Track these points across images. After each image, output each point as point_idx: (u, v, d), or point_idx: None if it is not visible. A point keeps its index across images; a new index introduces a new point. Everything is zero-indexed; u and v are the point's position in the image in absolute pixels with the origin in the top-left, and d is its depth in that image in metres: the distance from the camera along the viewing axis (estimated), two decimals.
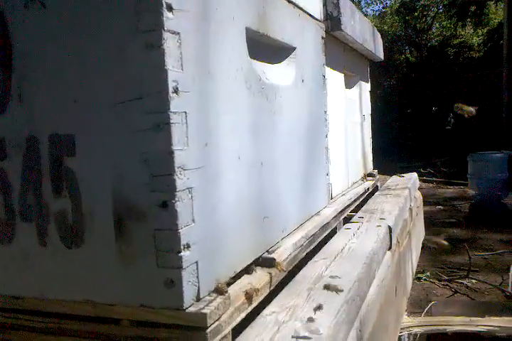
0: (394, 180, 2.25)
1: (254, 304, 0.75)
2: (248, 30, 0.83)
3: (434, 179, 6.47)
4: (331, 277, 0.89)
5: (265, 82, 0.90)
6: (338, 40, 1.56)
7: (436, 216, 4.17)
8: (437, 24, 12.21)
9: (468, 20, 10.57)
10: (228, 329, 0.65)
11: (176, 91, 0.60)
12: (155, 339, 0.63)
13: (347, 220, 1.43)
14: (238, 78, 0.79)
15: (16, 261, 0.71)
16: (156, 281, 0.62)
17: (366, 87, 2.12)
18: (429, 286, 2.58)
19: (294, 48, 1.07)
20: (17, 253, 0.71)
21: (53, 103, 0.66)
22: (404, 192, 1.84)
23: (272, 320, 0.71)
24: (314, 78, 1.21)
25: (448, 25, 11.45)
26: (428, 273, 2.73)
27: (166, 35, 0.59)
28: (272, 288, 0.83)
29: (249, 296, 0.73)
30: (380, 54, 2.16)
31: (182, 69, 0.61)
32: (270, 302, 0.79)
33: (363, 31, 1.73)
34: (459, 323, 1.72)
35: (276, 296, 0.81)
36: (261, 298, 0.78)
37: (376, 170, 2.20)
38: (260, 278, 0.80)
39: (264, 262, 0.85)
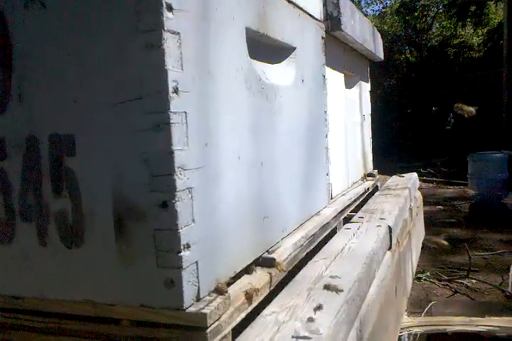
0: (394, 180, 2.25)
1: (254, 304, 0.75)
2: (248, 30, 0.83)
3: (434, 179, 6.47)
4: (331, 277, 0.89)
5: (265, 82, 0.90)
6: (338, 40, 1.56)
7: (436, 216, 4.17)
8: (437, 24, 12.21)
9: (468, 20, 10.57)
10: (228, 329, 0.65)
11: (176, 91, 0.60)
12: (155, 339, 0.63)
13: (347, 220, 1.43)
14: (238, 78, 0.79)
15: (16, 261, 0.71)
16: (156, 281, 0.62)
17: (366, 87, 2.12)
18: (429, 286, 2.58)
19: (294, 48, 1.07)
20: (17, 253, 0.71)
21: (53, 103, 0.66)
22: (404, 192, 1.84)
23: (272, 320, 0.71)
24: (314, 78, 1.21)
25: (448, 25, 11.45)
26: (428, 273, 2.73)
27: (166, 35, 0.59)
28: (272, 288, 0.83)
29: (249, 296, 0.73)
30: (380, 54, 2.16)
31: (182, 69, 0.61)
32: (270, 302, 0.79)
33: (363, 31, 1.73)
34: (459, 323, 1.72)
35: (276, 296, 0.81)
36: (261, 298, 0.78)
37: (376, 170, 2.20)
38: (260, 278, 0.80)
39: (264, 262, 0.85)
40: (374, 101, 2.43)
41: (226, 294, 0.67)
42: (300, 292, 0.82)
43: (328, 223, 1.21)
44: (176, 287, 0.61)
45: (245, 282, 0.76)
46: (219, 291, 0.67)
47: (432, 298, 2.34)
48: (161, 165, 0.60)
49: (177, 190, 0.60)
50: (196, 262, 0.64)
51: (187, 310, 0.62)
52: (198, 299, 0.64)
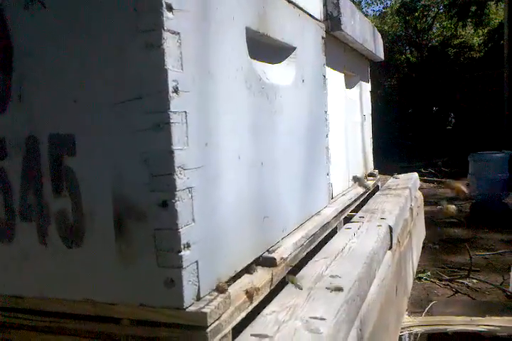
0: (394, 180, 2.25)
1: (255, 303, 0.75)
2: (248, 30, 0.83)
3: (435, 179, 6.46)
4: (332, 276, 0.89)
5: (265, 82, 0.90)
6: (338, 40, 1.56)
7: (437, 216, 4.16)
8: (438, 24, 12.20)
9: (469, 20, 10.55)
10: (228, 328, 0.65)
11: (175, 90, 0.60)
12: (155, 338, 0.63)
13: (347, 220, 1.43)
14: (238, 78, 0.79)
15: (16, 261, 0.71)
16: (156, 281, 0.62)
17: (366, 86, 2.12)
18: (430, 286, 2.58)
19: (294, 48, 1.07)
20: (17, 253, 0.71)
21: (53, 103, 0.66)
22: (405, 192, 1.84)
23: (272, 319, 0.71)
24: (314, 78, 1.21)
25: (448, 26, 11.44)
26: (429, 273, 2.72)
27: (165, 34, 0.59)
28: (272, 287, 0.83)
29: (249, 295, 0.73)
30: (381, 54, 2.16)
31: (182, 69, 0.62)
32: (270, 301, 0.79)
33: (363, 31, 1.73)
34: (459, 323, 1.72)
35: (276, 296, 0.81)
36: (261, 297, 0.78)
37: (377, 170, 2.20)
38: (261, 277, 0.80)
39: (265, 262, 0.85)
40: (374, 101, 2.43)
41: (226, 293, 0.67)
42: (300, 291, 0.82)
43: (328, 223, 1.21)
44: (176, 286, 0.61)
45: (246, 281, 0.76)
46: (219, 290, 0.67)
47: (432, 298, 2.33)
48: (161, 164, 0.60)
49: (177, 189, 0.60)
50: (196, 261, 0.64)
51: (187, 310, 0.62)
52: (198, 298, 0.64)
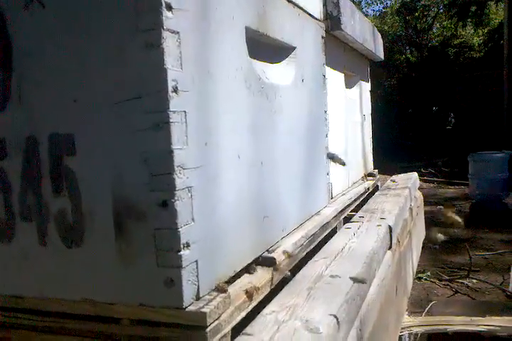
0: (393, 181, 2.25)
1: (255, 303, 0.75)
2: (248, 30, 0.83)
3: (435, 179, 6.46)
4: (331, 276, 0.89)
5: (265, 82, 0.90)
6: (338, 39, 1.56)
7: (437, 216, 4.16)
8: (438, 24, 12.20)
9: (469, 20, 10.55)
10: (228, 328, 0.65)
11: (175, 90, 0.60)
12: (155, 338, 0.63)
13: (347, 220, 1.43)
14: (238, 77, 0.79)
15: (16, 261, 0.71)
16: (156, 280, 0.62)
17: (366, 86, 2.12)
18: (430, 286, 2.58)
19: (294, 48, 1.07)
20: (17, 253, 0.71)
21: (53, 103, 0.66)
22: (405, 192, 1.84)
23: (271, 319, 0.71)
24: (314, 78, 1.21)
25: (448, 26, 11.44)
26: (429, 273, 2.72)
27: (165, 34, 0.59)
28: (272, 287, 0.83)
29: (249, 295, 0.73)
30: (381, 54, 2.16)
31: (181, 69, 0.62)
32: (270, 301, 0.79)
33: (363, 31, 1.73)
34: (459, 323, 1.72)
35: (276, 295, 0.81)
36: (261, 297, 0.78)
37: (376, 170, 2.20)
38: (261, 277, 0.80)
39: (265, 261, 0.85)
40: (374, 101, 2.43)
41: (226, 293, 0.67)
42: (300, 291, 0.82)
43: (328, 222, 1.21)
44: (175, 286, 0.61)
45: (245, 281, 0.76)
46: (219, 290, 0.67)
47: (432, 298, 2.33)
48: (161, 164, 0.60)
49: (177, 189, 0.60)
50: (196, 261, 0.64)
51: (187, 309, 0.62)
52: (198, 298, 0.64)
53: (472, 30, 11.51)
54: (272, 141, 0.93)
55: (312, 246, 1.08)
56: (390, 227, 1.29)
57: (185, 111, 0.62)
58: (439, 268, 2.86)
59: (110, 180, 0.63)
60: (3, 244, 0.72)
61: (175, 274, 0.61)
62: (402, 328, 1.65)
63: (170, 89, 0.59)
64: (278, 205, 0.95)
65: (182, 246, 0.61)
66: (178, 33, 0.61)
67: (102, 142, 0.64)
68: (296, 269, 0.95)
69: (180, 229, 0.60)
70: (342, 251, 1.07)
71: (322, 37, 1.28)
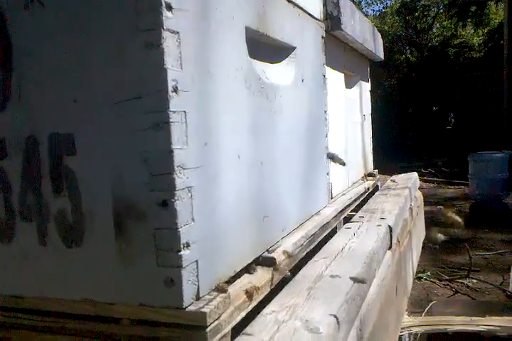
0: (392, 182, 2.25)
1: (255, 303, 0.75)
2: (248, 30, 0.83)
3: (435, 179, 6.46)
4: (331, 276, 0.89)
5: (265, 82, 0.90)
6: (338, 39, 1.56)
7: (437, 216, 4.17)
8: (438, 24, 12.20)
9: (469, 20, 10.55)
10: (228, 328, 0.65)
11: (175, 90, 0.60)
12: (155, 338, 0.63)
13: (347, 220, 1.43)
14: (238, 77, 0.79)
15: (16, 261, 0.71)
16: (156, 280, 0.62)
17: (366, 86, 2.12)
18: (430, 286, 2.58)
19: (294, 48, 1.07)
20: (17, 253, 0.71)
21: (53, 102, 0.66)
22: (405, 192, 1.84)
23: (271, 319, 0.71)
24: (314, 78, 1.21)
25: (448, 26, 11.44)
26: (429, 273, 2.72)
27: (165, 34, 0.59)
28: (272, 287, 0.83)
29: (249, 295, 0.73)
30: (381, 54, 2.16)
31: (181, 69, 0.62)
32: (270, 301, 0.79)
33: (363, 31, 1.73)
34: (459, 323, 1.72)
35: (276, 295, 0.81)
36: (261, 297, 0.78)
37: (376, 170, 2.20)
38: (261, 277, 0.80)
39: (265, 261, 0.85)
40: (374, 101, 2.43)
41: (226, 293, 0.67)
42: (300, 291, 0.82)
43: (328, 222, 1.21)
44: (175, 286, 0.61)
45: (245, 281, 0.76)
46: (219, 290, 0.67)
47: (432, 298, 2.33)
48: (161, 164, 0.60)
49: (177, 188, 0.60)
50: (196, 261, 0.64)
51: (187, 309, 0.62)
52: (198, 298, 0.64)
53: (472, 30, 11.51)
54: (272, 141, 0.93)
55: (312, 246, 1.08)
56: (390, 227, 1.29)
57: (185, 111, 0.62)
58: (439, 268, 2.86)
59: (110, 179, 0.63)
60: (3, 244, 0.72)
61: (175, 274, 0.61)
62: (402, 328, 1.65)
63: (170, 89, 0.59)
64: (278, 205, 0.95)
65: (182, 246, 0.61)
66: (178, 33, 0.61)
67: (102, 142, 0.64)
68: (296, 269, 0.95)
69: (180, 229, 0.60)
70: (342, 251, 1.07)
71: (322, 37, 1.28)
